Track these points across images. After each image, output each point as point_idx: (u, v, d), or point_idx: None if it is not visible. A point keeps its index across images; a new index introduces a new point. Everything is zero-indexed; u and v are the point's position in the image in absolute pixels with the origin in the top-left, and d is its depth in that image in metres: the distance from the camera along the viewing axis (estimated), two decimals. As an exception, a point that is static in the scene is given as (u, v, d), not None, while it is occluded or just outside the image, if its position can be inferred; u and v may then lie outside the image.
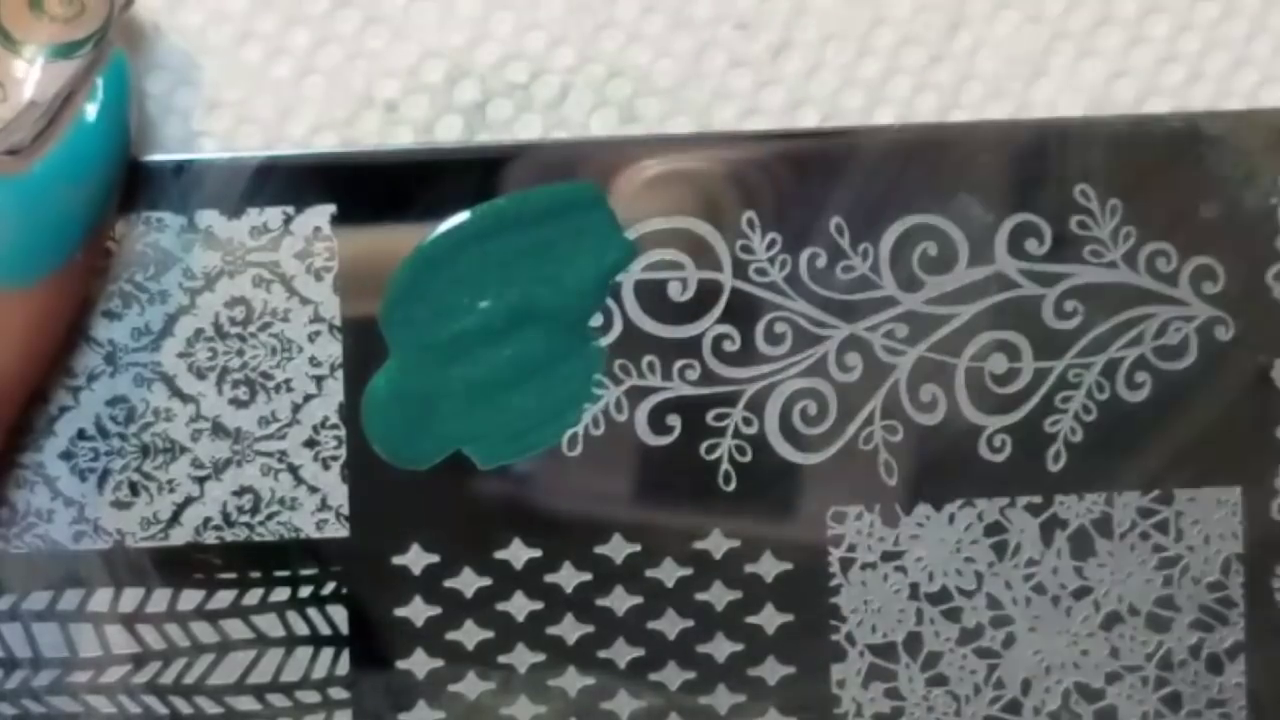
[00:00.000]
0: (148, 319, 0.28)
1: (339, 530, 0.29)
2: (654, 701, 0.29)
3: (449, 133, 0.29)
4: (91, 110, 0.26)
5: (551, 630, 0.29)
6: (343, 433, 0.29)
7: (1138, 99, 0.29)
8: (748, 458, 0.29)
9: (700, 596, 0.29)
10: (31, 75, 0.25)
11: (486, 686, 0.29)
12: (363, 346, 0.28)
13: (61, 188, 0.25)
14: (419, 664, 0.29)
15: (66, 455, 0.28)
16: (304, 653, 0.29)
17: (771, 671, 0.29)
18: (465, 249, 0.28)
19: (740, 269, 0.28)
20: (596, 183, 0.28)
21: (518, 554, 0.29)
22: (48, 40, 0.25)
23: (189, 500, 0.29)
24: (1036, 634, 0.29)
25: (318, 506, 0.29)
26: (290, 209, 0.28)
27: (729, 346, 0.28)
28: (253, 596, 0.29)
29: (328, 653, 0.29)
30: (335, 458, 0.29)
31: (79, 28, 0.25)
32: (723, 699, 0.29)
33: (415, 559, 0.29)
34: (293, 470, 0.29)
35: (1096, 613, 0.29)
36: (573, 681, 0.29)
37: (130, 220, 0.28)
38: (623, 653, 0.29)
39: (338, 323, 0.28)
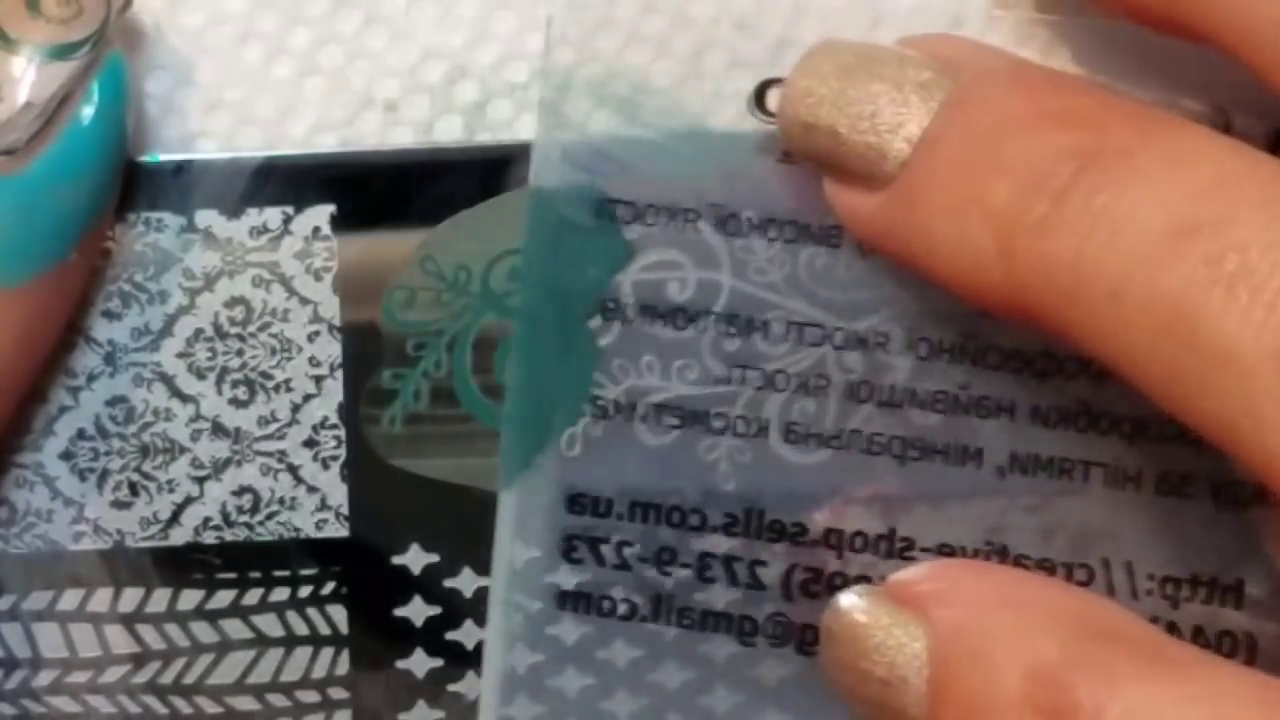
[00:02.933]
0: (147, 319, 0.28)
1: (339, 530, 0.29)
2: (654, 701, 0.29)
3: (449, 133, 0.29)
4: (87, 112, 0.26)
5: (551, 630, 0.29)
6: (342, 433, 0.29)
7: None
8: (747, 458, 0.28)
9: (700, 596, 0.29)
10: (28, 76, 0.25)
11: (486, 686, 0.29)
12: (362, 347, 0.28)
13: (56, 189, 0.26)
14: (419, 664, 0.29)
15: (66, 455, 0.28)
16: (304, 653, 0.29)
17: (771, 671, 0.29)
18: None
19: (740, 269, 0.28)
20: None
21: (517, 554, 0.29)
22: (45, 41, 0.25)
23: (189, 500, 0.29)
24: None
25: (317, 506, 0.29)
26: (290, 209, 0.28)
27: (728, 346, 0.28)
28: (252, 596, 0.29)
29: (327, 653, 0.29)
30: (335, 457, 0.29)
31: (76, 29, 0.26)
32: (722, 699, 0.29)
33: (415, 559, 0.29)
34: (292, 470, 0.29)
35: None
36: (572, 681, 0.29)
37: (130, 220, 0.28)
38: (622, 653, 0.29)
39: (337, 323, 0.28)
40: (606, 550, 0.28)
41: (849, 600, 0.25)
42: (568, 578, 0.28)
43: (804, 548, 0.28)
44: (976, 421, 0.28)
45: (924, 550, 0.28)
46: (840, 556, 0.28)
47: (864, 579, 0.28)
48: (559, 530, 0.28)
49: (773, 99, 0.28)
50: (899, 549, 0.28)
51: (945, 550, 0.28)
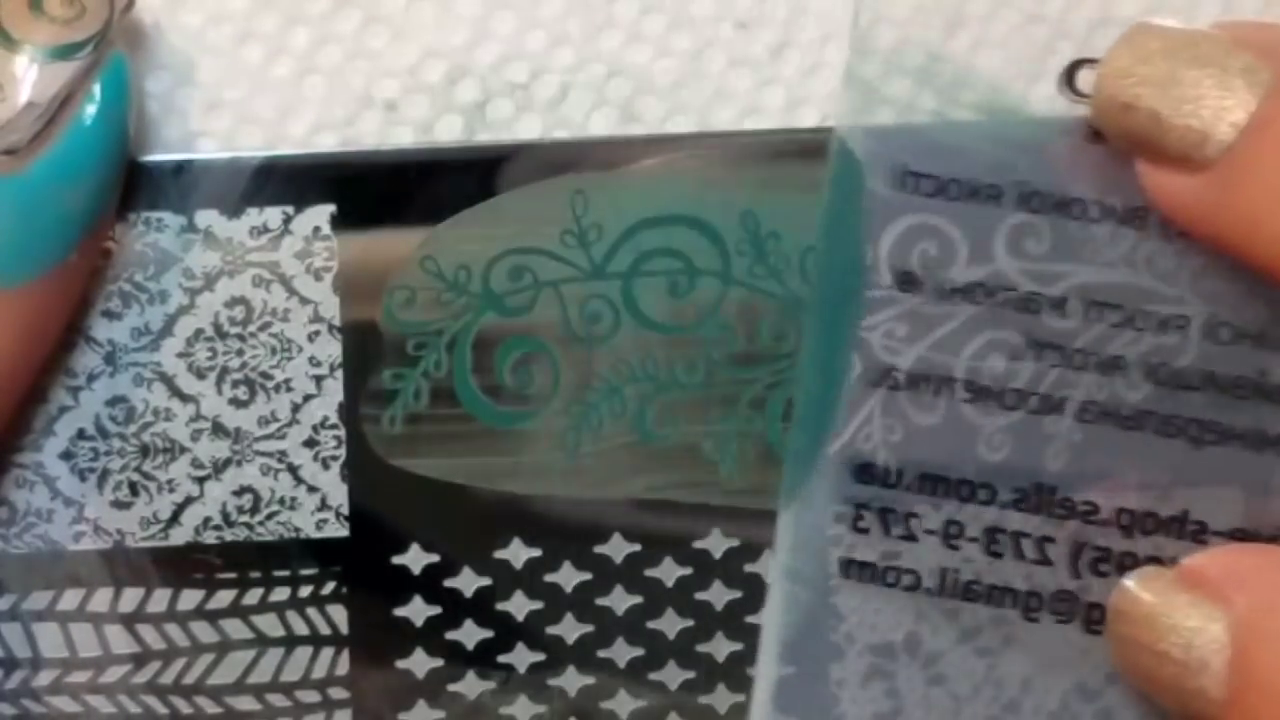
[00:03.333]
0: (147, 319, 0.28)
1: (339, 530, 0.29)
2: (654, 701, 0.29)
3: (449, 133, 0.29)
4: (90, 112, 0.26)
5: (551, 630, 0.29)
6: (342, 433, 0.29)
7: (1138, 98, 0.29)
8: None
9: (700, 596, 0.29)
10: (30, 76, 0.25)
11: (486, 686, 0.29)
12: (362, 347, 0.28)
13: (57, 189, 0.26)
14: (419, 664, 0.29)
15: (66, 455, 0.28)
16: (304, 653, 0.29)
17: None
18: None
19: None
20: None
21: (517, 554, 0.29)
22: (47, 41, 0.25)
23: (189, 500, 0.29)
24: (1035, 633, 0.29)
25: (317, 506, 0.29)
26: (290, 209, 0.28)
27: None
28: (253, 596, 0.29)
29: (328, 653, 0.29)
30: (335, 457, 0.29)
31: (79, 30, 0.25)
32: (723, 699, 0.29)
33: (415, 559, 0.29)
34: (292, 470, 0.29)
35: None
36: (573, 681, 0.29)
37: (130, 220, 0.28)
38: (623, 652, 0.29)
39: (337, 322, 0.28)
40: (894, 521, 0.28)
41: (1143, 581, 0.25)
42: (854, 547, 0.28)
43: (1094, 526, 0.28)
44: (1274, 408, 0.28)
45: (1216, 534, 0.28)
46: (1130, 537, 0.28)
47: (1154, 560, 0.28)
48: (846, 499, 0.28)
49: (1084, 79, 0.28)
50: (1191, 532, 0.28)
51: (1239, 535, 0.28)
